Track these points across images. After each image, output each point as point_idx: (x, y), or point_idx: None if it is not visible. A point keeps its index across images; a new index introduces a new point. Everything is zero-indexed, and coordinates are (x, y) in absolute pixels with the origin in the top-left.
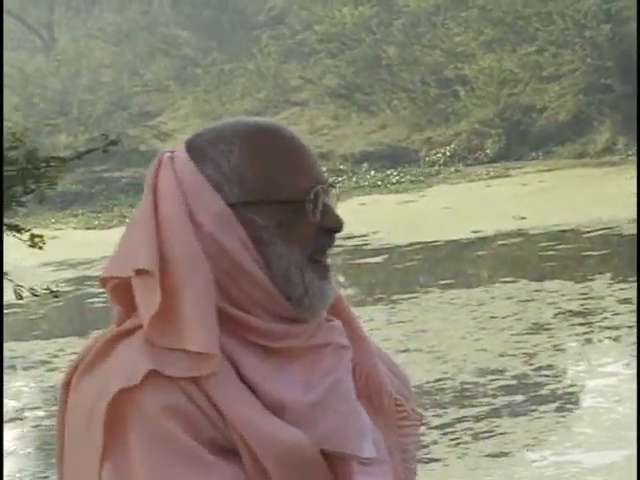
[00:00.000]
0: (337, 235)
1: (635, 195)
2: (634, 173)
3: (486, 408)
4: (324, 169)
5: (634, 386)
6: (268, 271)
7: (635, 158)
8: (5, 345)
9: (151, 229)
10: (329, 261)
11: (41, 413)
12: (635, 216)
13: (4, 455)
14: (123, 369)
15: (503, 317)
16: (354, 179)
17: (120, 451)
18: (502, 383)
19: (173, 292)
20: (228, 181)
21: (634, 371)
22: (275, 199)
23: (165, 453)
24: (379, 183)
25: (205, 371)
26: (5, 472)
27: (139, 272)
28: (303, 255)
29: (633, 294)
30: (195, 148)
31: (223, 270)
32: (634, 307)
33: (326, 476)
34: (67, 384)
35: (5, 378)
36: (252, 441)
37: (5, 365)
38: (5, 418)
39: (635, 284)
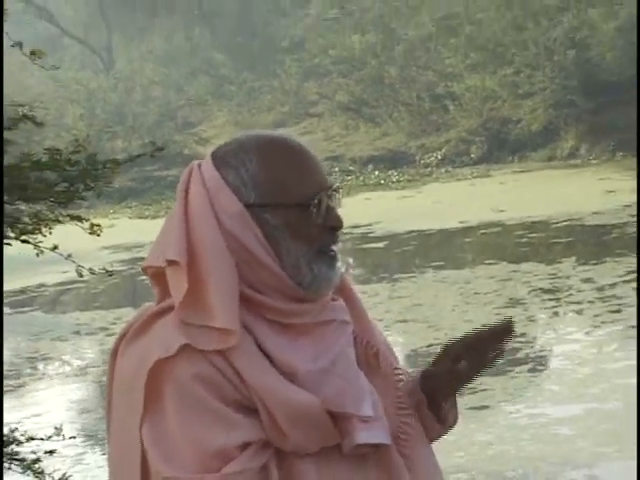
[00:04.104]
0: (340, 231)
1: (584, 193)
2: (594, 174)
3: None
4: (336, 170)
5: (594, 350)
6: (280, 262)
7: (594, 161)
8: (71, 314)
9: (182, 225)
10: (337, 250)
11: (101, 371)
12: (591, 209)
13: (69, 405)
14: (161, 342)
15: (485, 293)
16: (361, 178)
17: (157, 411)
18: None
19: (199, 279)
20: (245, 185)
21: (593, 338)
22: (284, 202)
23: (195, 413)
24: (382, 182)
25: (228, 344)
26: (68, 420)
27: (170, 262)
28: (311, 249)
29: (594, 275)
30: (220, 157)
31: (243, 260)
32: (595, 285)
33: (332, 433)
34: (115, 352)
35: (71, 342)
36: (269, 403)
37: (71, 331)
38: (71, 374)
39: (594, 266)
